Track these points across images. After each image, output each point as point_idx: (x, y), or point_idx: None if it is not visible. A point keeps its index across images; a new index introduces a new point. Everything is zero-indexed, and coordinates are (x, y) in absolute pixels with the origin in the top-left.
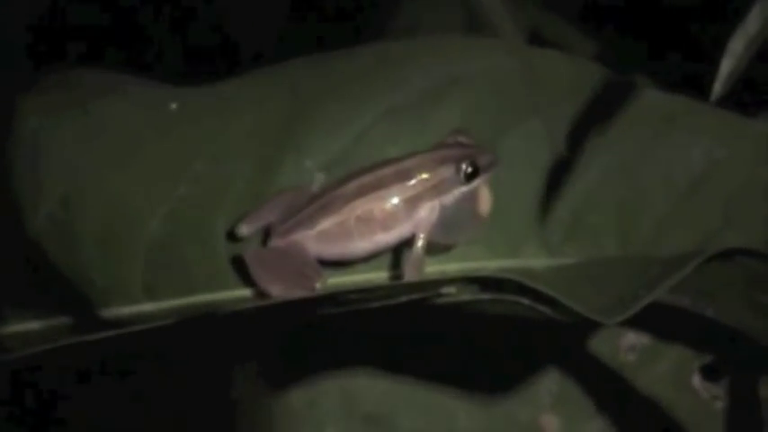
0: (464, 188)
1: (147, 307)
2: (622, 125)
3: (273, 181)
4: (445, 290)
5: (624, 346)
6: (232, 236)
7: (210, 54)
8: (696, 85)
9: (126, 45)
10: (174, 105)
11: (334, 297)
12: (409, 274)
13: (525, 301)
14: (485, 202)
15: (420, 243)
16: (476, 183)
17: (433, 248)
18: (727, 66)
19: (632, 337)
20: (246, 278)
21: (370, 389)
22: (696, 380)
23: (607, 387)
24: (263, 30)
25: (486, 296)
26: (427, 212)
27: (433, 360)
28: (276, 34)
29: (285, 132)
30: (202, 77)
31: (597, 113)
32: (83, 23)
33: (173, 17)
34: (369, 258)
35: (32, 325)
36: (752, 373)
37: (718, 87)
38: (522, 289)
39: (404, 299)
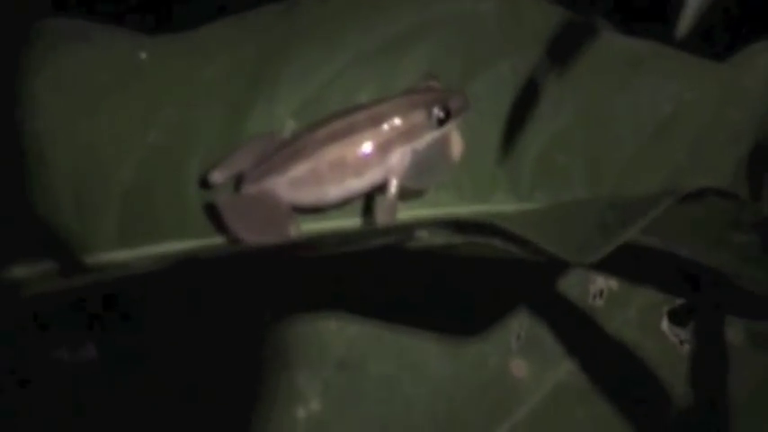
0: (436, 132)
1: (122, 254)
2: (590, 69)
3: (244, 127)
4: (418, 234)
5: (593, 292)
6: (204, 183)
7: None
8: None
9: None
10: (143, 54)
11: (308, 243)
12: (382, 220)
13: (497, 243)
14: (456, 146)
15: (393, 188)
16: (448, 127)
17: (404, 193)
18: (692, 3)
19: (601, 282)
20: (219, 225)
21: (340, 334)
22: (664, 324)
23: (576, 332)
24: None
25: (458, 239)
26: (399, 157)
27: (402, 305)
28: None
29: (255, 79)
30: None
31: (566, 58)
32: None
33: None
34: (341, 204)
35: (20, 271)
36: (718, 314)
37: (683, 25)
38: (493, 231)
39: (377, 243)
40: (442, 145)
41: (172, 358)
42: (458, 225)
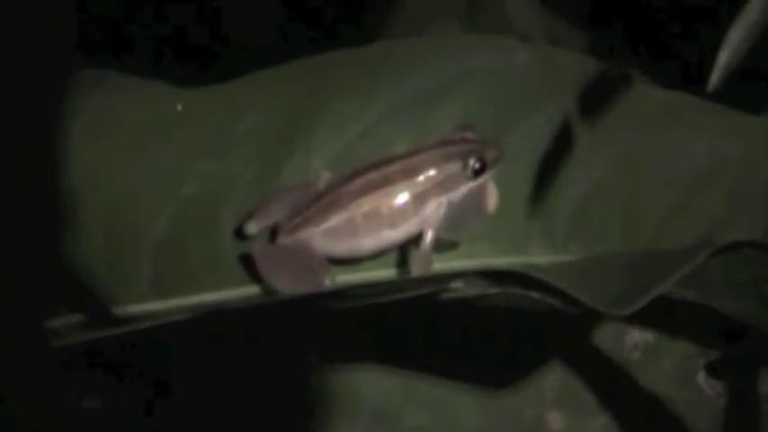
0: (471, 184)
1: (156, 305)
2: (626, 121)
3: (279, 179)
4: (453, 284)
5: (629, 344)
6: (239, 233)
7: (208, 57)
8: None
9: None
10: (180, 105)
11: (342, 292)
12: (417, 271)
13: (533, 294)
14: (492, 197)
15: (428, 239)
16: (483, 178)
17: (439, 245)
18: (724, 57)
19: (636, 335)
20: (254, 275)
21: (375, 384)
22: (700, 376)
23: (611, 384)
24: (260, 31)
25: (493, 290)
26: (434, 209)
27: (437, 356)
28: (273, 35)
29: (290, 130)
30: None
31: (601, 110)
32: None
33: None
34: (376, 255)
35: (52, 323)
36: (753, 366)
37: (714, 79)
38: (529, 282)
39: (412, 293)
40: (477, 196)
41: (203, 408)
42: (493, 275)
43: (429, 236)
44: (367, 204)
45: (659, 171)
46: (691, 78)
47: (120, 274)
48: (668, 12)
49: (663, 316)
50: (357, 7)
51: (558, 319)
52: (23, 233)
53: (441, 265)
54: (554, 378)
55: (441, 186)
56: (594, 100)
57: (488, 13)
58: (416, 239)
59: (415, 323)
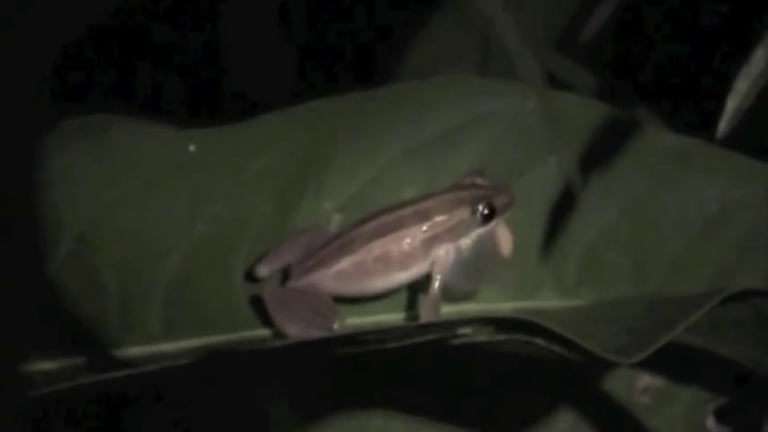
0: (481, 230)
1: (165, 346)
2: (636, 166)
3: (291, 221)
4: (461, 330)
5: (639, 388)
6: (250, 276)
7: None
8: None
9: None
10: (192, 147)
11: (351, 337)
12: (425, 315)
13: (541, 342)
14: (505, 244)
15: (436, 284)
16: (492, 224)
17: (454, 293)
18: (732, 104)
19: (647, 379)
20: (264, 318)
21: (385, 430)
22: (710, 422)
23: (621, 428)
24: (271, 81)
25: (501, 337)
26: (444, 254)
27: (447, 402)
28: (285, 85)
29: (302, 173)
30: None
31: (611, 154)
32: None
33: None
34: (385, 296)
35: (50, 365)
36: (762, 412)
37: (723, 125)
38: (537, 329)
39: (420, 339)
40: (489, 243)
41: None
42: (501, 322)
43: (437, 281)
44: (378, 248)
45: (669, 216)
46: (699, 124)
47: (130, 315)
48: (674, 58)
49: (673, 361)
50: (369, 49)
51: (569, 363)
52: (19, 275)
53: (448, 309)
54: (564, 423)
55: (451, 232)
56: (604, 144)
57: (501, 53)
58: (427, 283)
59: (424, 369)
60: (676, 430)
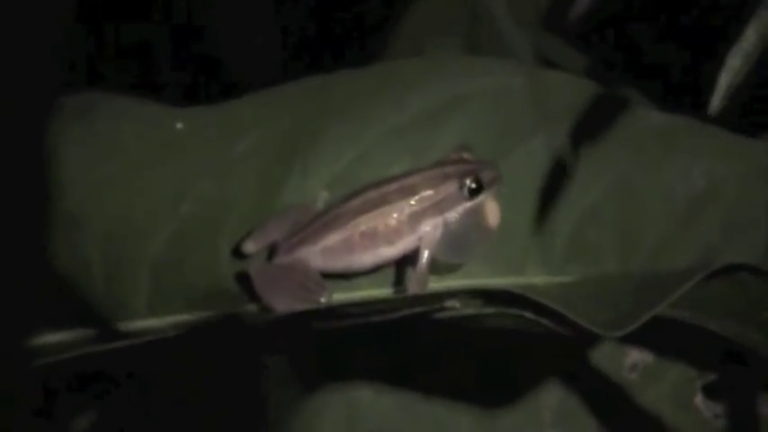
0: (468, 204)
1: (152, 322)
2: (623, 144)
3: (278, 199)
4: (448, 303)
5: (627, 365)
6: (237, 253)
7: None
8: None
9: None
10: (179, 125)
11: (337, 310)
12: (413, 290)
13: (529, 315)
14: (493, 217)
15: (424, 259)
16: (480, 198)
17: (441, 267)
18: (724, 80)
19: (635, 356)
20: (251, 294)
21: (374, 404)
22: (698, 398)
23: (609, 404)
24: (261, 61)
25: (489, 310)
26: (431, 228)
27: (435, 375)
28: (274, 65)
29: (289, 151)
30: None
31: (598, 132)
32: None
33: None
34: (372, 271)
35: (52, 337)
36: (751, 389)
37: (715, 102)
38: (525, 303)
39: (406, 312)
40: (476, 216)
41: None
42: (488, 296)
43: (425, 255)
44: (364, 223)
45: (656, 194)
46: (688, 99)
47: (117, 292)
48: (664, 33)
49: (661, 338)
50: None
51: (557, 339)
52: (17, 251)
53: (436, 284)
54: (552, 398)
55: (437, 206)
56: (592, 123)
57: (490, 30)
58: (414, 258)
59: (414, 342)
60: (665, 406)
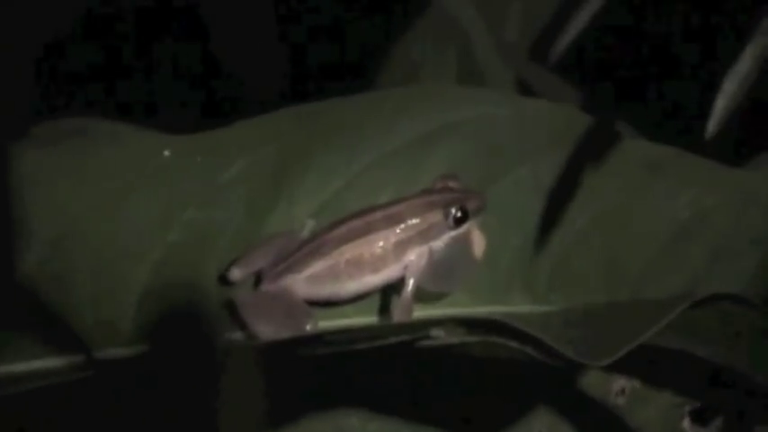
0: (453, 233)
1: (141, 349)
2: (609, 173)
3: (264, 227)
4: (434, 333)
5: (615, 390)
6: (223, 280)
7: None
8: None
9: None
10: (167, 152)
11: (322, 337)
12: (398, 317)
13: (513, 344)
14: (478, 246)
15: (409, 287)
16: (465, 227)
17: (425, 295)
18: (720, 104)
19: (623, 382)
20: (238, 321)
21: (361, 428)
22: (686, 423)
23: (598, 429)
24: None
25: (473, 339)
26: (416, 257)
27: (424, 403)
28: (273, 88)
29: (276, 179)
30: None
31: (584, 161)
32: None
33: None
34: (358, 299)
35: (24, 366)
36: (745, 416)
37: (712, 125)
38: (508, 331)
39: (392, 340)
40: (461, 245)
41: None
42: (473, 324)
43: (410, 283)
44: (349, 252)
45: (642, 223)
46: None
47: (103, 319)
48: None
49: (648, 363)
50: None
51: (545, 366)
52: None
53: (421, 312)
54: (540, 423)
55: (423, 235)
56: (578, 152)
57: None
58: (399, 286)
59: (399, 372)
60: (653, 431)
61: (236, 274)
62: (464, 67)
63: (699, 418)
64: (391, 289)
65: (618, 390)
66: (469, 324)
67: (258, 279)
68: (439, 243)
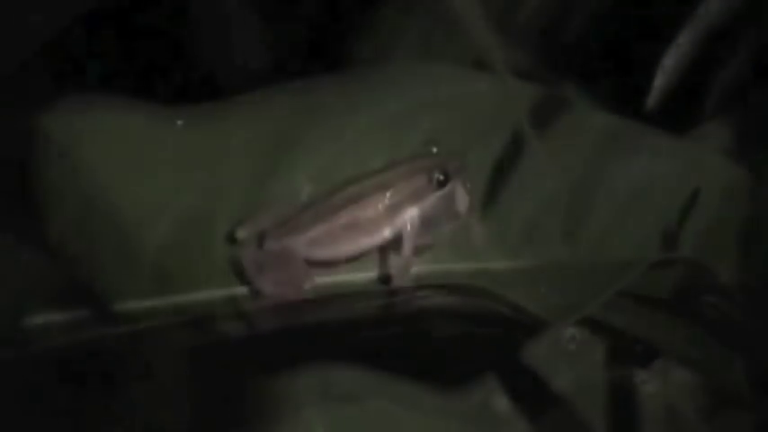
0: (438, 193)
1: (157, 302)
2: (571, 142)
3: (267, 190)
4: (419, 294)
5: (566, 337)
6: (231, 239)
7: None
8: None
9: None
10: (180, 122)
11: (320, 300)
12: (398, 274)
13: (489, 304)
14: (462, 203)
15: (407, 247)
16: (448, 188)
17: (417, 251)
18: (659, 81)
19: (573, 330)
20: (242, 277)
21: (344, 376)
22: (629, 366)
23: (551, 372)
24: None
25: (455, 299)
26: (408, 218)
27: (400, 352)
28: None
29: (277, 147)
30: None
31: (549, 132)
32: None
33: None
34: (354, 259)
35: (55, 317)
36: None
37: (651, 101)
38: (486, 294)
39: (383, 302)
40: (447, 203)
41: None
42: (454, 288)
43: (407, 243)
44: (345, 216)
45: (600, 188)
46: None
47: (124, 273)
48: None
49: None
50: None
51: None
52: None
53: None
54: (500, 370)
55: (411, 197)
56: (544, 124)
57: (446, 41)
58: (392, 244)
59: (382, 324)
60: (599, 373)
61: (241, 233)
62: (427, 46)
63: (640, 360)
64: (385, 248)
65: (569, 337)
66: (451, 288)
67: (262, 239)
68: (426, 204)
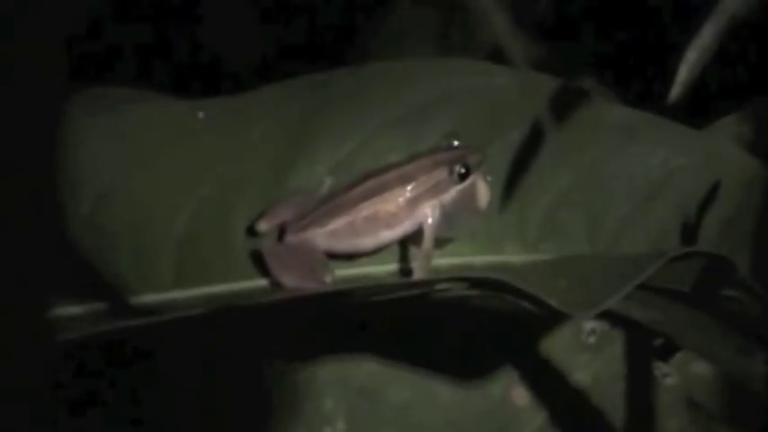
0: (459, 186)
1: (176, 294)
2: (590, 135)
3: (287, 183)
4: (439, 287)
5: (586, 330)
6: (251, 231)
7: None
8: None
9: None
10: (200, 114)
11: (342, 292)
12: (419, 267)
13: (509, 298)
14: (482, 196)
15: (428, 240)
16: (469, 181)
17: (436, 242)
18: (683, 73)
19: (593, 323)
20: (263, 270)
21: (362, 369)
22: (650, 359)
23: (570, 366)
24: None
25: (474, 292)
26: (429, 211)
27: (418, 345)
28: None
29: (297, 139)
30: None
31: (568, 125)
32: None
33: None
34: (374, 253)
35: (75, 310)
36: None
37: (675, 92)
38: (505, 287)
39: (403, 294)
40: (468, 197)
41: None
42: (474, 281)
43: (428, 236)
44: (366, 209)
45: (618, 181)
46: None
47: (144, 266)
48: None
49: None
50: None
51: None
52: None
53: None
54: (520, 359)
55: (432, 191)
56: (562, 117)
57: (461, 34)
58: (412, 237)
59: (400, 315)
60: (619, 366)
61: (262, 225)
62: (445, 41)
63: (661, 353)
64: (405, 241)
65: (589, 330)
66: (471, 280)
67: (282, 231)
68: (447, 197)
